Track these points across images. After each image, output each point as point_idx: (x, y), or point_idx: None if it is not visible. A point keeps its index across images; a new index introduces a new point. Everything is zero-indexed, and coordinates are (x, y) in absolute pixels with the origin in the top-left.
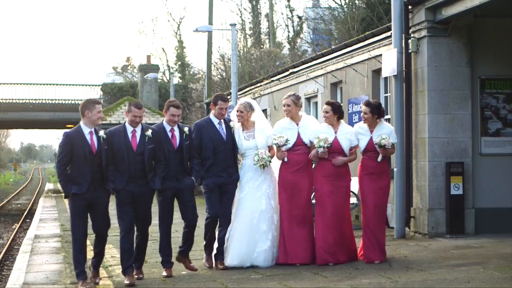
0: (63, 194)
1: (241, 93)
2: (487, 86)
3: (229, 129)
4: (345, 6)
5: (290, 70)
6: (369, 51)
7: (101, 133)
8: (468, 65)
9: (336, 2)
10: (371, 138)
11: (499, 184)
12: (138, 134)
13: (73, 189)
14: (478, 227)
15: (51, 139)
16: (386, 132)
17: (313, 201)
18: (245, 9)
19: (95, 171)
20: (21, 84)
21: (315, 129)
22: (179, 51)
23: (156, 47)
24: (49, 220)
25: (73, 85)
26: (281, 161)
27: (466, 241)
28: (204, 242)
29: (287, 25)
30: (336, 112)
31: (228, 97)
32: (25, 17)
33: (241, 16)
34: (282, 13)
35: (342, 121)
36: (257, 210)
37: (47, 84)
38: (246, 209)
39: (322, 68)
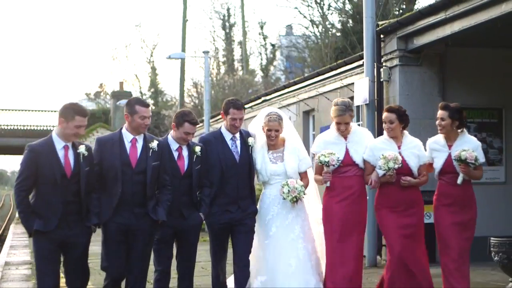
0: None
1: (213, 121)
2: None
3: (246, 147)
4: (318, 34)
5: (263, 98)
6: (341, 79)
7: (82, 148)
8: (440, 94)
9: (309, 31)
10: (449, 155)
11: None
12: (139, 145)
13: (35, 225)
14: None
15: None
16: (471, 147)
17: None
18: (218, 36)
19: (69, 202)
20: None
21: (371, 145)
22: (152, 77)
23: (129, 73)
24: (19, 247)
25: (45, 111)
26: (319, 187)
27: (438, 270)
28: None
29: (260, 53)
30: (403, 121)
31: (201, 124)
32: None
33: (214, 43)
34: (255, 41)
35: (406, 132)
36: (293, 257)
37: (19, 110)
38: (278, 260)
39: (294, 96)
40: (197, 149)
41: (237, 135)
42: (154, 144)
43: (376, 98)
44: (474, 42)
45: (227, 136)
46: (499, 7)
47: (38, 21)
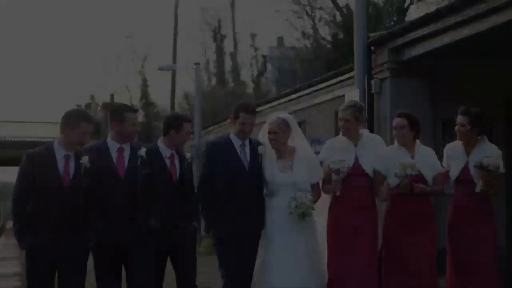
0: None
1: (204, 132)
2: (449, 127)
3: (255, 154)
4: (309, 46)
5: None
6: (332, 91)
7: (84, 160)
8: (431, 106)
9: (301, 42)
10: (467, 164)
11: None
12: (126, 154)
13: (27, 243)
14: (439, 268)
15: (13, 176)
16: (492, 155)
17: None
18: (209, 48)
19: (64, 215)
20: None
21: (382, 154)
22: (143, 89)
23: (120, 85)
24: (10, 258)
25: (35, 122)
26: (326, 199)
27: None
28: None
29: (251, 64)
30: (414, 128)
31: (191, 135)
32: None
33: (205, 55)
34: (246, 52)
35: (418, 141)
36: (295, 277)
37: (9, 122)
38: (279, 278)
39: (285, 107)
40: (188, 155)
41: (247, 142)
42: (142, 151)
43: (367, 110)
44: (465, 54)
45: (236, 142)
46: (490, 19)
47: (29, 34)
